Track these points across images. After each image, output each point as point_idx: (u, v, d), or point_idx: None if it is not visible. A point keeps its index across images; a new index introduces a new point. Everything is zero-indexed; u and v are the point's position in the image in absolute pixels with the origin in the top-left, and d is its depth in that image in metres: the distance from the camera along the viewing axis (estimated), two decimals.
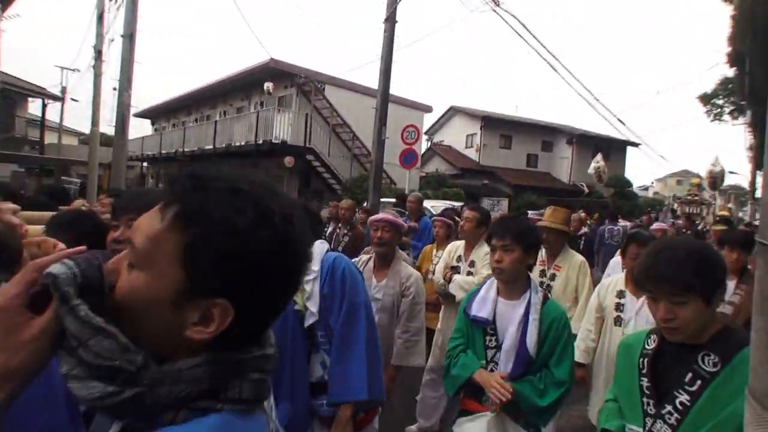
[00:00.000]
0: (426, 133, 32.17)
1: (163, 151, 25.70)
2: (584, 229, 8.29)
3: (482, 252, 3.77)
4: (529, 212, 19.31)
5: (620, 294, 3.22)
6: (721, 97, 27.39)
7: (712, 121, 28.61)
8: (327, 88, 18.88)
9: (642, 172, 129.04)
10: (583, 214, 14.22)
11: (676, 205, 28.79)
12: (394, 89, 10.56)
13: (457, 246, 4.09)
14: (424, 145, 29.36)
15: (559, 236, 3.75)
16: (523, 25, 12.08)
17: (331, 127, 18.73)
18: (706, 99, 27.95)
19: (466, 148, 29.34)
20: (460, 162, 27.59)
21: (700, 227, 16.58)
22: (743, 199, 65.43)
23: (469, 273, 3.82)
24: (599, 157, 18.56)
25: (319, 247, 2.17)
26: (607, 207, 16.28)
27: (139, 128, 43.50)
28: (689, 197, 26.44)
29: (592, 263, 7.99)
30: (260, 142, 17.32)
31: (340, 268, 2.13)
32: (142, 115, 33.83)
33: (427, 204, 14.85)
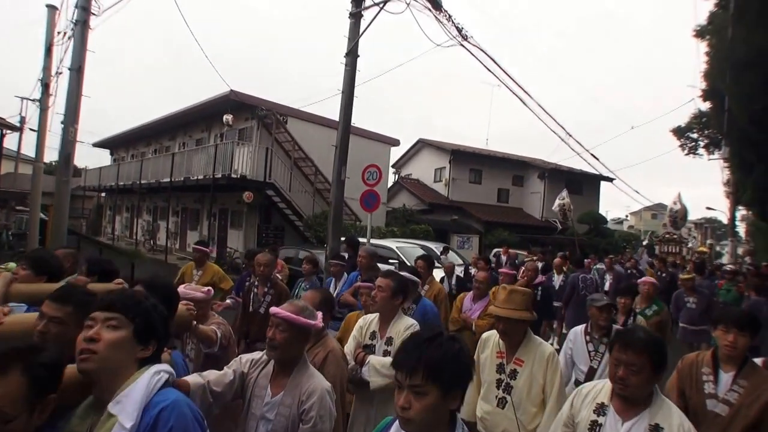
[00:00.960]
0: (393, 166, 32.01)
1: (120, 183, 25.20)
2: (541, 277, 7.81)
3: (401, 326, 3.29)
4: (496, 250, 19.19)
5: (600, 409, 2.28)
6: (695, 130, 28.19)
7: (686, 154, 29.35)
8: (289, 120, 18.49)
9: (617, 205, 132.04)
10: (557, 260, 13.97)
11: (655, 243, 29.22)
12: (362, 122, 10.22)
13: (370, 320, 3.49)
14: (391, 178, 29.14)
15: (520, 324, 3.01)
16: (492, 60, 11.98)
17: (293, 161, 18.27)
18: (680, 132, 28.70)
19: (435, 182, 29.14)
20: (429, 197, 27.34)
21: (674, 267, 16.57)
22: (720, 233, 67.59)
23: (386, 353, 3.27)
24: (564, 193, 18.33)
25: (146, 384, 1.49)
26: (573, 251, 16.14)
27: (101, 158, 42.95)
28: (666, 235, 26.90)
29: (549, 314, 7.52)
30: (219, 175, 16.71)
31: (166, 428, 1.44)
32: (101, 145, 33.35)
33: (392, 244, 14.45)
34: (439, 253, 15.46)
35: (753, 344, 8.08)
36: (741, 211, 30.36)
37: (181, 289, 2.99)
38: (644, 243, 30.46)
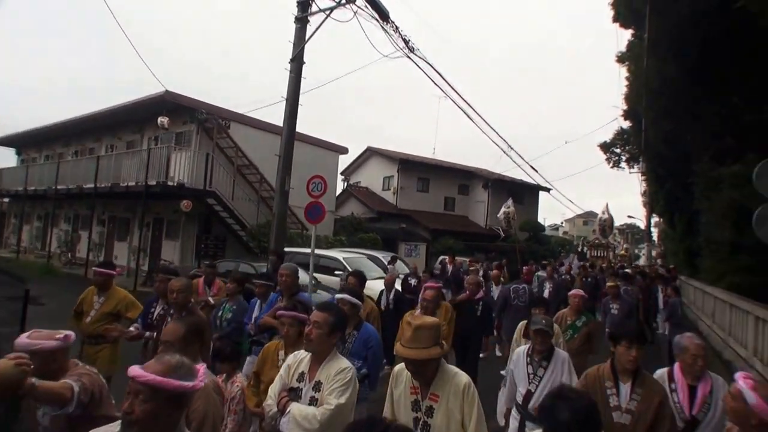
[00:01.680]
0: (342, 173, 31.86)
1: (30, 187, 22.72)
2: (481, 292, 7.62)
3: (333, 369, 2.80)
4: (442, 257, 19.35)
5: None
6: (618, 146, 29.77)
7: (611, 167, 30.89)
8: (232, 125, 17.94)
9: (553, 212, 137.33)
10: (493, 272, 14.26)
11: (586, 249, 30.62)
12: (311, 130, 9.99)
13: (300, 358, 2.96)
14: (339, 186, 28.96)
15: (431, 360, 2.67)
16: (438, 72, 12.10)
17: (236, 167, 17.71)
18: (606, 147, 30.24)
19: (383, 190, 29.25)
20: (377, 205, 27.36)
21: (601, 272, 17.36)
22: (638, 237, 71.95)
23: (313, 400, 2.79)
24: (509, 202, 18.81)
25: None
26: (514, 258, 16.48)
27: (4, 158, 37.98)
28: (596, 241, 28.26)
29: (490, 328, 7.19)
30: (153, 182, 15.85)
31: None
32: (4, 142, 29.48)
33: (339, 254, 14.24)
34: (387, 263, 15.40)
35: (668, 338, 8.52)
36: (655, 219, 32.16)
37: (22, 339, 2.44)
38: (579, 249, 31.76)
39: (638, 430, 2.88)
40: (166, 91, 15.99)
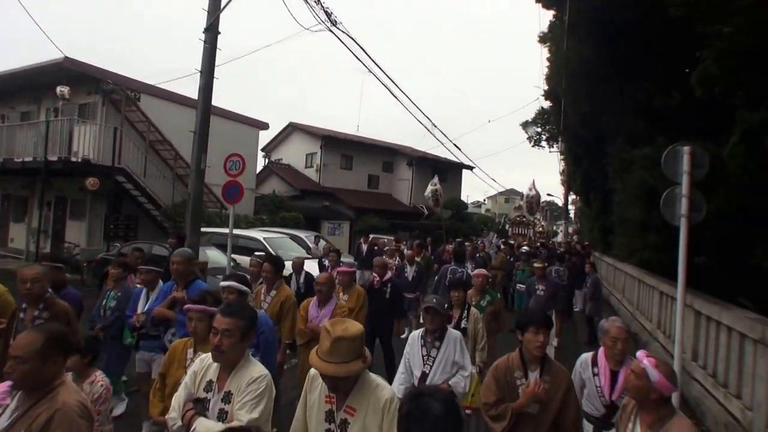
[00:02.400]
0: (263, 150, 30.88)
1: None
2: (389, 274, 7.30)
3: (245, 379, 2.50)
4: (372, 235, 19.30)
5: None
6: (539, 125, 31.07)
7: (533, 146, 32.33)
8: (143, 98, 16.61)
9: (476, 190, 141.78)
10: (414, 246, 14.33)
11: (507, 226, 31.81)
12: (228, 105, 9.33)
13: (208, 364, 2.62)
14: (260, 162, 28.08)
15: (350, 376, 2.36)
16: (361, 48, 11.76)
17: (147, 143, 16.49)
18: (527, 126, 31.50)
19: (306, 167, 28.73)
20: (300, 182, 26.83)
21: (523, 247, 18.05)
22: (556, 214, 76.26)
23: (222, 412, 2.48)
24: (436, 180, 19.03)
25: None
26: (438, 237, 16.61)
27: None
28: (517, 218, 29.40)
29: (401, 311, 6.96)
30: (54, 158, 14.42)
31: None
32: None
33: (259, 234, 13.73)
34: (310, 243, 15.09)
35: (588, 314, 8.96)
36: (573, 197, 34.12)
37: None
38: (500, 227, 32.96)
39: (546, 416, 2.90)
40: (66, 57, 14.44)
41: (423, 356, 3.75)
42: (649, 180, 8.21)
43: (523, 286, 8.99)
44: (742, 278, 7.68)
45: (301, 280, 7.64)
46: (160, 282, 4.78)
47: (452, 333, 3.83)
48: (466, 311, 4.78)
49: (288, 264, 7.88)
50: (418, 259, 10.15)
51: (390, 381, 6.18)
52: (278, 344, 4.67)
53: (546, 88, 18.74)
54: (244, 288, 3.88)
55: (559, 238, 50.76)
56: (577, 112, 13.49)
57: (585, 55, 10.81)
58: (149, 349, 4.58)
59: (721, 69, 5.87)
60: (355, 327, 2.33)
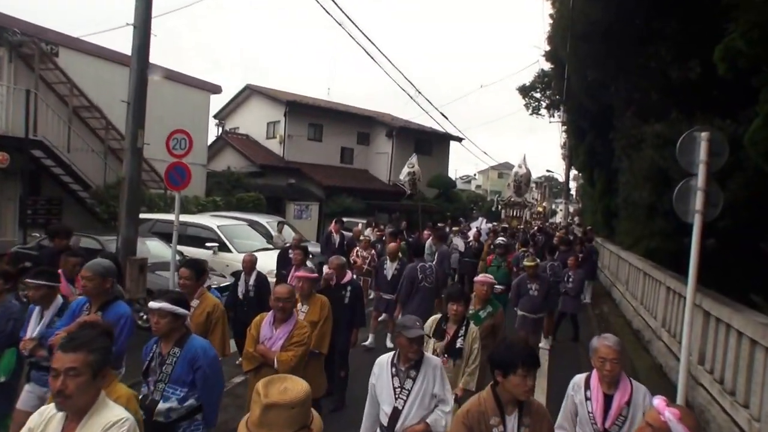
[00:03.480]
0: (216, 117, 30.51)
1: None
2: (349, 275, 6.65)
3: (100, 424, 2.35)
4: (346, 219, 19.30)
5: None
6: (538, 90, 31.31)
7: (530, 114, 32.65)
8: (63, 53, 16.13)
9: (466, 162, 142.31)
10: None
11: (500, 207, 32.23)
12: (173, 64, 9.14)
13: (49, 416, 2.45)
14: (212, 132, 27.74)
15: None
16: (335, 4, 11.65)
17: (71, 109, 16.09)
18: (525, 91, 31.70)
19: (268, 138, 28.48)
20: (261, 156, 26.62)
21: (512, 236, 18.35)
22: (556, 190, 77.29)
23: None
24: (413, 160, 18.84)
25: None
26: (414, 221, 16.59)
27: None
28: (511, 199, 29.78)
29: (360, 319, 6.54)
30: None
31: None
32: None
33: (212, 221, 13.59)
34: (273, 230, 15.06)
35: (572, 312, 9.22)
36: (574, 173, 34.63)
37: None
38: (493, 207, 33.32)
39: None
40: None
41: (395, 388, 3.54)
42: (660, 161, 8.41)
43: (500, 286, 8.55)
44: (755, 272, 7.97)
45: (251, 281, 7.30)
46: (59, 298, 4.52)
47: (431, 360, 3.68)
48: (464, 327, 4.64)
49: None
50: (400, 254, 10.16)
51: (341, 399, 6.26)
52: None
53: (548, 48, 18.82)
54: (181, 310, 3.61)
55: (558, 218, 51.55)
56: (581, 78, 13.63)
57: (593, 16, 10.89)
58: (42, 383, 4.13)
59: (747, 43, 5.98)
60: (296, 388, 2.03)
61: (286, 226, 16.00)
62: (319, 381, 5.24)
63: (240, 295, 7.28)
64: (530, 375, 2.81)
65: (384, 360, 3.68)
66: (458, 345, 4.57)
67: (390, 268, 8.95)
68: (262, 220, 16.18)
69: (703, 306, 6.32)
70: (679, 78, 9.14)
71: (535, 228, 23.11)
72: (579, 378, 3.62)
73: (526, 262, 8.56)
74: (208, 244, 11.83)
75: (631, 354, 8.89)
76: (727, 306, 5.71)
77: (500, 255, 10.38)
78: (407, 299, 7.74)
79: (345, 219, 21.80)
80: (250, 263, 7.41)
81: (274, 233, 14.82)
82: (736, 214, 7.07)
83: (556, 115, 30.79)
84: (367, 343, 8.98)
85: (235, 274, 10.43)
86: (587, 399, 3.49)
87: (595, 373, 3.53)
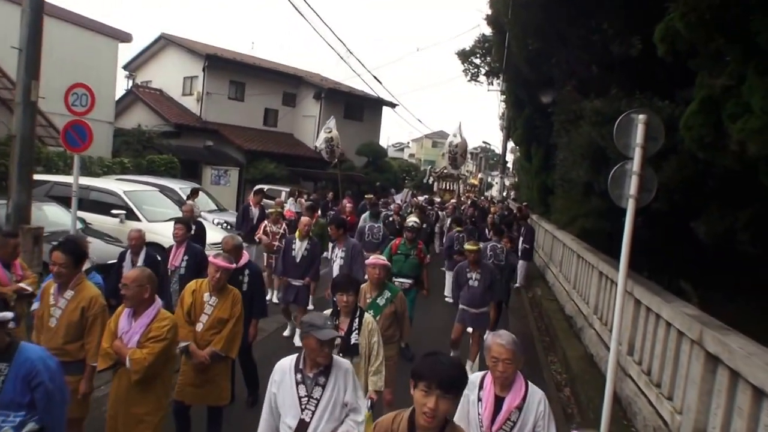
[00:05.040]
0: (126, 68, 29.25)
1: None
2: (246, 257, 6.27)
3: None
4: (267, 187, 18.90)
5: None
6: (478, 55, 31.58)
7: (469, 80, 32.92)
8: None
9: (399, 130, 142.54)
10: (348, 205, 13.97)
11: (431, 179, 32.53)
12: (79, 7, 8.52)
13: None
14: (121, 85, 26.54)
15: None
16: None
17: None
18: (464, 56, 31.88)
19: (184, 95, 27.66)
20: (175, 115, 25.81)
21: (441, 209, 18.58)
22: (492, 162, 78.95)
23: None
24: (331, 124, 18.13)
25: None
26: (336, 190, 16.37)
27: None
28: (444, 170, 30.03)
29: (260, 309, 6.21)
30: None
31: None
32: None
33: (118, 186, 12.96)
34: (186, 197, 14.56)
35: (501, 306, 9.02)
36: (512, 145, 35.42)
37: None
38: (426, 179, 33.59)
39: None
40: None
41: (300, 398, 3.32)
42: (598, 138, 8.61)
43: (407, 280, 8.18)
44: (686, 256, 8.38)
45: (140, 262, 6.57)
46: None
47: (341, 363, 3.46)
48: (357, 320, 4.37)
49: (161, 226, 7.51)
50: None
51: (254, 400, 5.83)
52: None
53: (489, 12, 18.89)
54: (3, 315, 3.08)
55: (494, 191, 52.81)
56: (522, 47, 13.75)
57: None
58: None
59: (686, 26, 6.12)
60: None
61: (201, 193, 15.54)
62: (222, 387, 4.90)
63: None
64: (432, 394, 2.38)
65: (286, 365, 3.43)
66: (353, 341, 4.30)
67: (299, 249, 8.15)
68: (175, 185, 15.71)
69: (634, 294, 6.56)
70: (620, 53, 9.34)
71: (468, 202, 23.40)
72: (475, 377, 3.49)
73: (467, 246, 7.93)
74: (113, 212, 11.34)
75: (563, 342, 9.14)
76: (657, 295, 5.93)
77: (410, 240, 8.53)
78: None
79: (267, 187, 21.51)
80: (139, 240, 6.74)
81: (187, 200, 14.31)
82: (670, 197, 7.35)
83: (495, 83, 31.17)
84: (286, 332, 8.64)
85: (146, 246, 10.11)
86: (479, 399, 3.40)
87: (489, 373, 3.43)
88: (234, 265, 5.13)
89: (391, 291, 5.50)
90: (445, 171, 28.42)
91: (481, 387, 3.42)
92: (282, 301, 8.54)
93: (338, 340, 4.03)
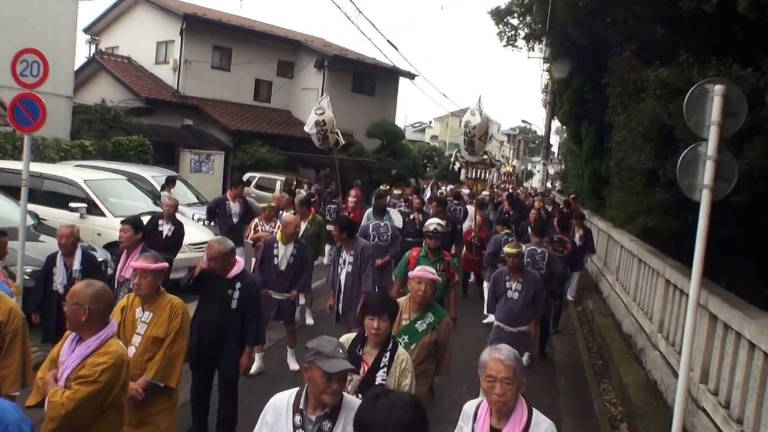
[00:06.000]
0: (86, 31, 29.54)
1: None
2: (240, 263, 6.04)
3: None
4: (259, 175, 18.84)
5: None
6: (516, 14, 31.42)
7: (504, 45, 32.72)
8: None
9: (418, 108, 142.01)
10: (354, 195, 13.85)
11: (458, 166, 32.28)
12: None
13: None
14: (82, 52, 26.72)
15: None
16: None
17: None
18: (499, 15, 31.71)
19: (158, 64, 27.91)
20: (147, 88, 26.04)
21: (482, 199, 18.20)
22: (533, 146, 78.76)
23: None
24: (324, 103, 17.48)
25: None
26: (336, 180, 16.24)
27: None
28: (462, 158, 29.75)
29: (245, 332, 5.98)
30: None
31: None
32: None
33: (78, 174, 13.06)
34: (160, 188, 14.64)
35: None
36: (557, 124, 35.23)
37: None
38: (452, 166, 33.42)
39: None
40: None
41: None
42: (664, 115, 8.51)
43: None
44: None
45: (76, 265, 6.61)
46: None
47: (353, 404, 3.23)
48: (388, 354, 4.11)
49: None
50: (305, 224, 9.61)
51: None
52: None
53: None
54: None
55: (535, 182, 52.43)
56: (571, 3, 13.63)
57: None
58: None
59: None
60: None
61: (179, 183, 15.62)
62: (165, 428, 4.77)
63: (59, 288, 6.56)
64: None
65: (282, 403, 3.29)
66: (379, 379, 4.01)
67: (283, 255, 7.96)
68: (147, 173, 15.94)
69: (709, 307, 6.43)
70: (691, 10, 9.22)
71: (504, 195, 23.29)
72: (470, 405, 3.51)
73: (506, 249, 7.71)
74: (72, 205, 11.43)
75: (619, 367, 9.01)
76: (737, 309, 5.79)
77: (434, 250, 7.65)
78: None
79: (258, 175, 21.57)
80: (70, 237, 6.68)
81: (164, 193, 14.35)
82: (754, 187, 7.23)
83: (536, 48, 30.96)
84: (254, 369, 7.93)
85: (109, 246, 10.13)
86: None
87: (485, 399, 3.40)
88: (164, 265, 4.95)
89: (436, 315, 5.28)
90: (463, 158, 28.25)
91: (475, 418, 3.39)
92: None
93: (353, 375, 3.87)
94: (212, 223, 12.02)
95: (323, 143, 17.41)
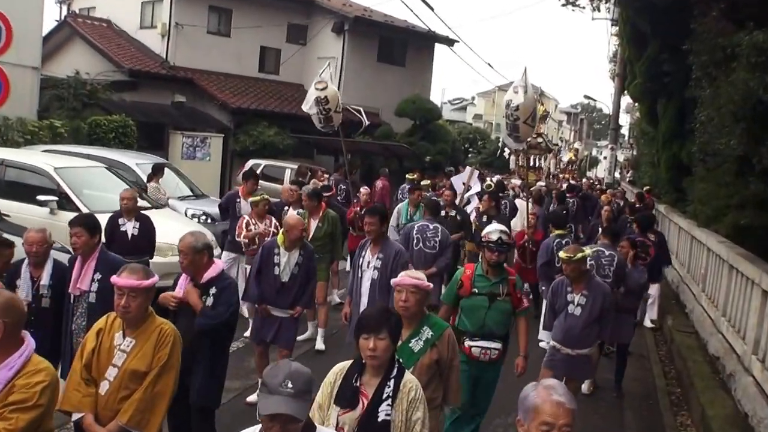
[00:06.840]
0: None
1: None
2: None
3: None
4: (265, 162, 18.91)
5: None
6: None
7: (563, 5, 32.57)
8: None
9: (459, 81, 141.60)
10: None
11: (507, 152, 32.27)
12: None
13: None
14: (51, 14, 27.00)
15: None
16: None
17: None
18: None
19: (143, 28, 28.13)
20: (130, 57, 26.19)
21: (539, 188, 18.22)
22: (600, 127, 77.92)
23: None
24: (326, 75, 17.33)
25: None
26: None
27: None
28: (528, 140, 29.75)
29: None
30: None
31: None
32: None
33: (48, 161, 13.18)
34: (147, 178, 14.76)
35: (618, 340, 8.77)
36: (628, 101, 34.96)
37: None
38: (501, 152, 33.41)
39: None
40: None
41: None
42: (759, 90, 8.45)
43: (495, 345, 6.87)
44: None
45: (45, 280, 6.43)
46: None
47: None
48: (392, 381, 3.95)
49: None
50: (316, 221, 9.57)
51: None
52: None
53: None
54: None
55: (602, 170, 51.92)
56: None
57: None
58: None
59: None
60: None
61: (168, 171, 15.72)
62: None
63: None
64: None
65: None
66: (382, 416, 3.86)
67: (286, 262, 7.73)
68: (131, 160, 16.02)
69: None
70: None
71: (563, 187, 23.16)
72: None
73: (561, 254, 7.59)
74: (40, 198, 11.52)
75: (702, 395, 8.88)
76: None
77: (495, 267, 6.83)
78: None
79: (264, 162, 21.62)
80: (41, 245, 6.45)
81: (150, 185, 14.49)
82: None
83: (603, 8, 30.73)
84: (251, 397, 7.91)
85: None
86: None
87: None
88: (155, 280, 4.72)
89: (434, 328, 5.05)
90: (528, 141, 28.08)
91: None
92: (255, 338, 8.01)
93: (348, 410, 3.82)
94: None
95: (326, 125, 17.19)
